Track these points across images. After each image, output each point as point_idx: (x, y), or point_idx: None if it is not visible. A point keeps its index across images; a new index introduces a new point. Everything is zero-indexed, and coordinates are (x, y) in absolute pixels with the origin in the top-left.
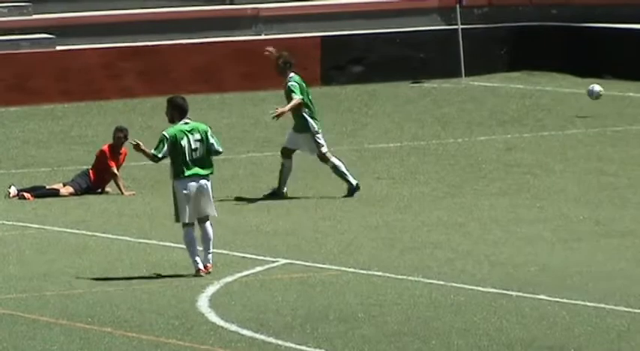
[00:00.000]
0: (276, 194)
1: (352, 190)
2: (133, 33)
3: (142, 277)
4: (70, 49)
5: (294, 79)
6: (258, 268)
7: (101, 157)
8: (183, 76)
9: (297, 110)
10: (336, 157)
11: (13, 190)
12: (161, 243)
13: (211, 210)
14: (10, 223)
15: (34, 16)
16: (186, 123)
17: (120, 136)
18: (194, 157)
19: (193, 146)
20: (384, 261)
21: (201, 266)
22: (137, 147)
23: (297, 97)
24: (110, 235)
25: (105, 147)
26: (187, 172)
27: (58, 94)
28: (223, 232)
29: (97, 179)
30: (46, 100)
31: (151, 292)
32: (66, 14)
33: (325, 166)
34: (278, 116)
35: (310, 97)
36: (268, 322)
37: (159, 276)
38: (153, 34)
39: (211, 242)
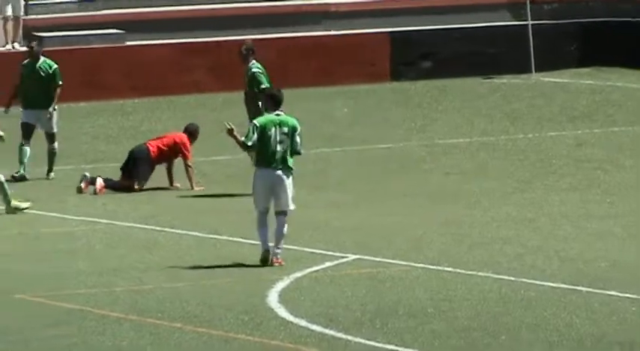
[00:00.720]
0: None
1: None
2: (203, 28)
3: (211, 273)
4: (139, 45)
5: (257, 66)
6: (328, 264)
7: (181, 146)
8: None
9: (253, 99)
10: None
11: (99, 182)
12: (231, 238)
13: (287, 205)
14: (80, 218)
15: (104, 12)
16: (278, 115)
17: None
18: (278, 149)
19: (279, 138)
20: (453, 256)
21: (269, 248)
22: (230, 132)
23: (264, 86)
24: (179, 231)
25: (184, 138)
26: (269, 162)
27: (127, 90)
28: (293, 228)
29: (156, 161)
30: (116, 95)
31: (221, 287)
32: (135, 9)
33: (399, 161)
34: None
35: (271, 84)
36: (338, 317)
37: (239, 265)
38: (222, 30)
39: (283, 240)
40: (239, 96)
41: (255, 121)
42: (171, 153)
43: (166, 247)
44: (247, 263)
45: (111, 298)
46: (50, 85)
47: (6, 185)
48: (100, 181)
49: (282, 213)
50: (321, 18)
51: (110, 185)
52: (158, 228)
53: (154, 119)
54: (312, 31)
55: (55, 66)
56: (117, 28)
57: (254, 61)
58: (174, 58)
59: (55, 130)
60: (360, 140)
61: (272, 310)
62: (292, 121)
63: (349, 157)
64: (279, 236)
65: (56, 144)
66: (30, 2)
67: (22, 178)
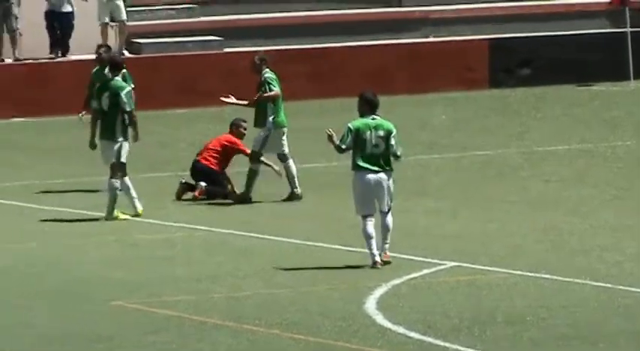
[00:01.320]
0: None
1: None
2: (301, 35)
3: (308, 279)
4: (237, 51)
5: (269, 72)
6: (426, 271)
7: (231, 146)
8: (351, 78)
9: (260, 105)
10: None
11: (199, 188)
12: (328, 245)
13: (389, 204)
14: (178, 224)
15: (202, 18)
16: (374, 118)
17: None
18: (374, 152)
19: (374, 142)
20: (551, 264)
21: (377, 258)
22: (330, 138)
23: (275, 90)
24: (277, 237)
25: (229, 138)
26: (365, 166)
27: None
28: (391, 235)
29: (220, 170)
30: (214, 102)
31: (318, 294)
32: (233, 16)
33: (497, 168)
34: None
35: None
36: (436, 324)
37: (337, 271)
38: (321, 37)
39: (389, 233)
40: (336, 103)
41: (349, 125)
42: (228, 156)
43: (264, 254)
44: (345, 270)
45: (209, 304)
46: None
47: (132, 191)
48: (200, 187)
49: (386, 212)
50: (420, 24)
51: (209, 192)
52: (255, 235)
53: (249, 125)
54: (411, 37)
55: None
56: (215, 35)
57: (267, 70)
58: (274, 65)
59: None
60: (458, 147)
61: (370, 317)
62: (388, 124)
63: (447, 164)
64: (386, 231)
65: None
66: (129, 9)
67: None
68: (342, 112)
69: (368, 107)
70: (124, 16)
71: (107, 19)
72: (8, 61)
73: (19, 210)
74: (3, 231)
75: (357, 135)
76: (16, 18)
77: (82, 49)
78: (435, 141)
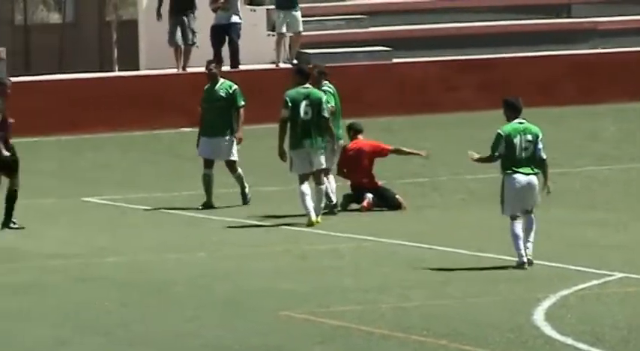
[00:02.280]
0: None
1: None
2: (470, 46)
3: (477, 290)
4: (406, 62)
5: (328, 86)
6: (594, 282)
7: (376, 151)
8: (521, 89)
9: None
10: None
11: (367, 199)
12: (497, 256)
13: (534, 204)
14: (346, 235)
15: (371, 29)
16: (521, 123)
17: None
18: (524, 155)
19: (524, 145)
20: None
21: (524, 259)
22: (479, 160)
23: (330, 104)
24: (446, 248)
25: (373, 144)
26: (516, 169)
27: (394, 107)
28: (558, 245)
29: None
30: (383, 112)
31: (487, 304)
32: (403, 27)
33: None
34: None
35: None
36: (604, 335)
37: (505, 282)
38: (489, 47)
39: (532, 232)
40: None
41: (499, 131)
42: (374, 158)
43: (432, 265)
44: (512, 281)
45: (376, 315)
46: (230, 109)
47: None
48: (367, 199)
49: (530, 211)
50: (589, 35)
51: (376, 203)
52: (425, 245)
53: (420, 137)
54: (579, 48)
55: (235, 87)
56: (384, 46)
57: (326, 82)
58: (443, 75)
59: (234, 157)
60: (627, 159)
61: (538, 328)
62: (535, 128)
63: (616, 175)
64: (529, 231)
65: (240, 171)
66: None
67: (209, 206)
68: None
69: (513, 112)
70: (301, 28)
71: (284, 30)
72: (175, 71)
73: (187, 220)
74: (172, 241)
75: (508, 140)
76: (194, 32)
77: (249, 59)
78: (604, 152)
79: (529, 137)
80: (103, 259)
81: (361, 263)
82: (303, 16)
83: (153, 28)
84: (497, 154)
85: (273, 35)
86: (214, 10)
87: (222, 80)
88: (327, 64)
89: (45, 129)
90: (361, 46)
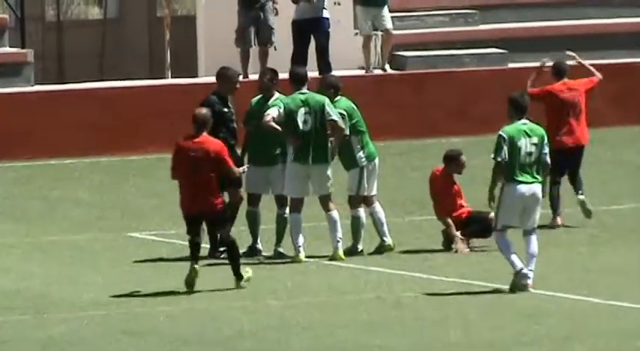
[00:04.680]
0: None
1: None
2: (604, 48)
3: (606, 346)
4: (524, 67)
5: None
6: None
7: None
8: None
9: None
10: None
11: (462, 249)
12: (636, 306)
13: (535, 222)
14: (450, 279)
15: (481, 27)
16: (525, 123)
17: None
18: (528, 161)
19: (529, 149)
20: None
21: (522, 266)
22: (490, 191)
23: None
24: (571, 295)
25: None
26: (519, 177)
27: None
28: None
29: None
30: (495, 129)
31: None
32: (520, 24)
33: None
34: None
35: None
36: None
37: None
38: (627, 50)
39: (535, 259)
40: None
41: (500, 132)
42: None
43: (556, 316)
44: None
45: None
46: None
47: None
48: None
49: (532, 231)
50: None
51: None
52: (546, 292)
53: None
54: None
55: (278, 96)
56: (497, 47)
57: (339, 97)
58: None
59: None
60: None
61: None
62: (541, 130)
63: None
64: (532, 256)
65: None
66: (391, 15)
67: (256, 253)
68: None
69: (516, 111)
70: (390, 24)
71: (369, 29)
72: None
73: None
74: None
75: (511, 143)
76: (272, 29)
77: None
78: None
79: (534, 140)
80: (152, 308)
81: (469, 314)
82: (398, 11)
83: (214, 26)
84: (499, 159)
85: (361, 33)
86: (295, 2)
87: (277, 94)
88: (427, 70)
89: (81, 149)
90: (469, 48)
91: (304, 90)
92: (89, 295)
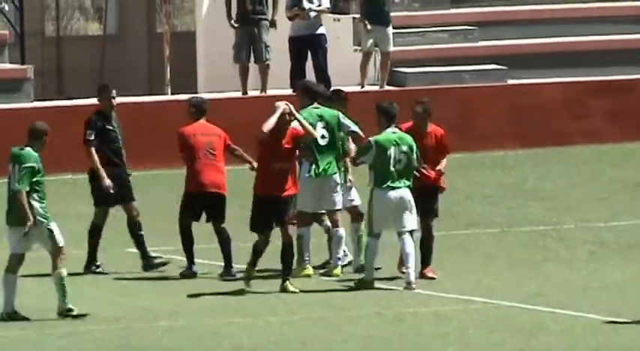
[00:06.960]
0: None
1: None
2: (604, 64)
3: None
4: (524, 84)
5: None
6: None
7: None
8: None
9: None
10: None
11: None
12: (635, 322)
13: (407, 226)
14: (451, 295)
15: (481, 43)
16: (394, 132)
17: None
18: (397, 168)
19: (398, 157)
20: None
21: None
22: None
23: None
24: (573, 312)
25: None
26: (389, 183)
27: (509, 138)
28: None
29: None
30: (495, 145)
31: None
32: (520, 41)
33: None
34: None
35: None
36: None
37: None
38: (627, 66)
39: (412, 257)
40: None
41: (370, 139)
42: None
43: (556, 332)
44: None
45: None
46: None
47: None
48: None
49: (405, 233)
50: None
51: None
52: (546, 309)
53: (540, 175)
54: None
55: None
56: (497, 64)
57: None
58: (568, 100)
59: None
60: None
61: None
62: (409, 138)
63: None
64: (408, 255)
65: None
66: (391, 32)
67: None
68: None
69: (386, 119)
70: (391, 48)
71: (370, 46)
72: (254, 93)
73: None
74: (235, 303)
75: (379, 151)
76: (267, 46)
77: (334, 79)
78: None
79: (404, 148)
80: (151, 323)
81: (468, 329)
82: (399, 28)
83: (214, 42)
84: (359, 161)
85: (361, 50)
86: (290, 19)
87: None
88: (427, 87)
89: (81, 164)
90: (469, 64)
91: (316, 104)
92: (88, 310)
